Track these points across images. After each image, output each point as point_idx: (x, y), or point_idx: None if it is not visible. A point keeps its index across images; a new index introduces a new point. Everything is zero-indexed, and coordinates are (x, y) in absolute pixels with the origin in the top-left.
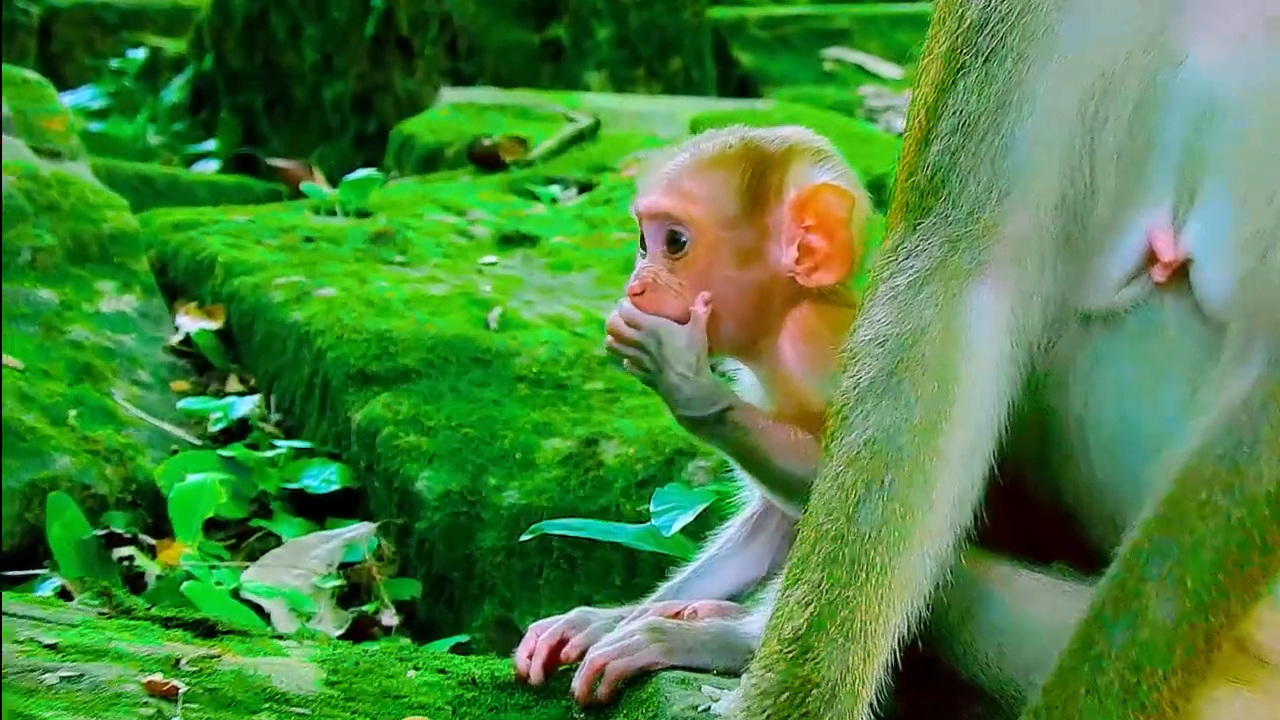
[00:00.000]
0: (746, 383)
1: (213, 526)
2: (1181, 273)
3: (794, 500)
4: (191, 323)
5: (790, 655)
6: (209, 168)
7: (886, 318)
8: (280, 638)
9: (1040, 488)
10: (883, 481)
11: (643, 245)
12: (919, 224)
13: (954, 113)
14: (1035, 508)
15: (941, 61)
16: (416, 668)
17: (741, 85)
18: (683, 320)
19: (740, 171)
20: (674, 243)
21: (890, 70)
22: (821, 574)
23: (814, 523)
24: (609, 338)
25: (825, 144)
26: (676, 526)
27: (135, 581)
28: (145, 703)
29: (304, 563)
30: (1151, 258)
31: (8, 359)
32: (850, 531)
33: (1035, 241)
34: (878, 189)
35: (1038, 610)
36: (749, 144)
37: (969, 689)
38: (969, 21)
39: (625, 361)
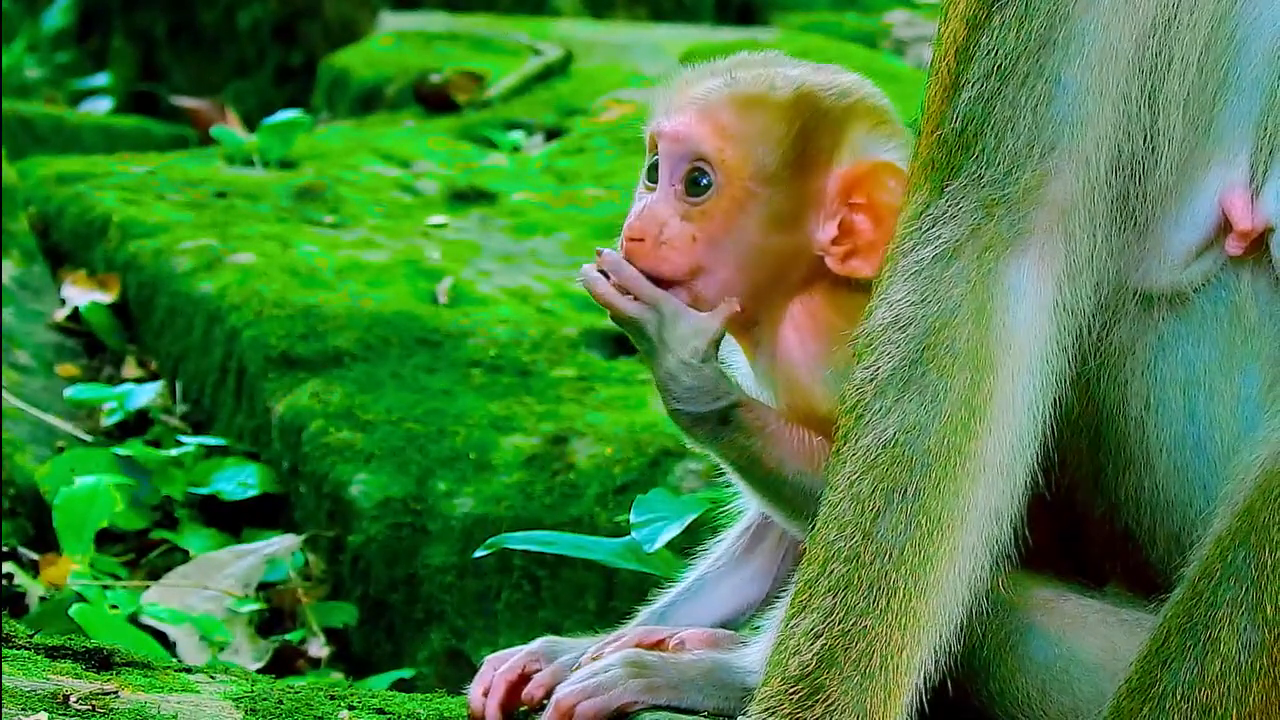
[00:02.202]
0: (740, 373)
1: (107, 539)
2: (1261, 244)
3: (804, 519)
4: (80, 295)
5: (796, 696)
6: (100, 107)
7: (909, 297)
8: (188, 671)
9: (1092, 499)
10: (905, 491)
11: (649, 178)
12: (947, 186)
13: (988, 53)
14: (1086, 522)
15: None
16: (351, 707)
17: (743, 11)
18: (685, 279)
19: (788, 121)
20: (694, 184)
21: None
22: (833, 600)
23: (824, 540)
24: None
25: (888, 104)
26: (661, 540)
27: (15, 604)
28: None
29: (216, 582)
30: (1225, 226)
31: None
32: (867, 550)
33: (1085, 206)
34: None
35: (1089, 642)
36: (802, 91)
37: None
38: None
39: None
